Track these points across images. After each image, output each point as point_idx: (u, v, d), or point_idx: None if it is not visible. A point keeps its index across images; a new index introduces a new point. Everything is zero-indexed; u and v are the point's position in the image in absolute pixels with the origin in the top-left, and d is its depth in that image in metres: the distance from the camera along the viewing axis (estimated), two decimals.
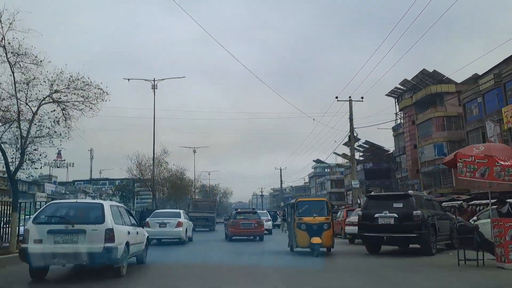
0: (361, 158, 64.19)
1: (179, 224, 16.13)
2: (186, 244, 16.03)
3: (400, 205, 11.12)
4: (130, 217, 8.55)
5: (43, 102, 11.45)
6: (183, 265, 9.85)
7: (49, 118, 11.80)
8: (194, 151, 61.00)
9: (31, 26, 10.99)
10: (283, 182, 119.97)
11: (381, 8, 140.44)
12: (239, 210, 21.99)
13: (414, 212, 10.90)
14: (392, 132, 47.66)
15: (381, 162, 56.14)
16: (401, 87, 43.99)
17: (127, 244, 7.41)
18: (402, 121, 44.13)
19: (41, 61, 11.09)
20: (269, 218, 26.05)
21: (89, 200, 11.33)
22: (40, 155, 11.86)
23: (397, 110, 45.95)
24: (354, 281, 7.59)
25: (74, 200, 8.80)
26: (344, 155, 69.79)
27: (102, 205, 7.18)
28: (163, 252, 13.15)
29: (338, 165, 79.18)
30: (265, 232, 19.56)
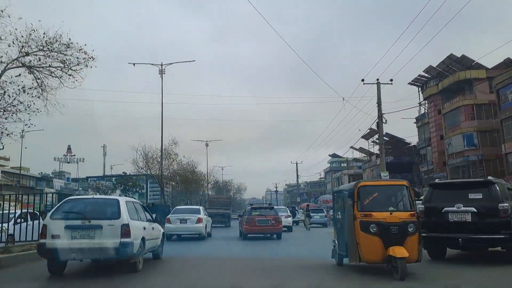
0: (378, 152, 61.42)
1: (199, 220, 16.75)
2: (206, 239, 16.80)
3: (479, 195, 8.39)
4: (146, 213, 8.79)
5: (9, 66, 9.35)
6: (199, 261, 10.08)
7: (19, 87, 9.82)
8: (207, 145, 58.42)
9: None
10: (289, 185, 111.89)
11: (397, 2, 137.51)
12: (254, 205, 19.65)
13: (500, 205, 8.11)
14: (416, 123, 44.72)
15: (402, 156, 54.02)
16: (426, 75, 41.46)
17: (143, 239, 7.55)
18: (427, 110, 42.07)
19: (1, 11, 8.90)
20: (289, 214, 24.60)
21: (105, 196, 11.46)
22: (2, 132, 9.79)
23: (421, 100, 43.74)
24: None
25: (91, 196, 8.86)
26: (361, 149, 68.17)
27: (118, 201, 7.30)
28: (181, 247, 14.13)
29: (356, 160, 76.19)
30: (284, 229, 18.83)
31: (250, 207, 18.39)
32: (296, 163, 64.41)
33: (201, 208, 18.88)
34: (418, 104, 44.34)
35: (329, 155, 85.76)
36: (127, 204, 7.22)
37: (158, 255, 9.37)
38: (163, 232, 9.82)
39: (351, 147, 66.50)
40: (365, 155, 68.32)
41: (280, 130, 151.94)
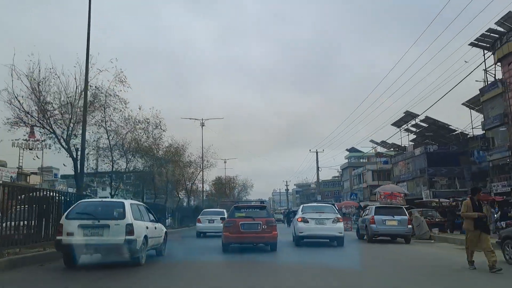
0: (411, 141, 53.78)
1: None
2: None
3: None
4: (149, 214, 10.46)
5: None
6: (199, 258, 11.59)
7: None
8: (202, 124, 44.35)
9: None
10: (306, 178, 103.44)
11: (403, 3, 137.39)
12: (239, 204, 14.45)
13: None
14: (481, 97, 35.11)
15: (447, 144, 46.04)
16: (497, 29, 31.60)
17: (146, 237, 9.19)
18: (501, 76, 32.43)
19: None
20: (338, 216, 15.03)
21: (113, 199, 12.69)
22: None
23: (487, 65, 34.42)
24: None
25: (100, 199, 10.07)
26: (383, 143, 60.62)
27: (123, 203, 9.05)
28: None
29: (378, 154, 67.78)
30: (336, 240, 14.36)
31: (234, 206, 13.46)
32: (316, 152, 54.15)
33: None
34: (483, 71, 34.96)
35: (347, 149, 78.65)
36: (132, 206, 8.92)
37: (161, 252, 11.01)
38: (166, 232, 10.91)
39: (371, 141, 61.04)
40: (393, 149, 60.89)
41: (289, 131, 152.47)
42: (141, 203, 10.86)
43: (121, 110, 18.63)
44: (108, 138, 19.95)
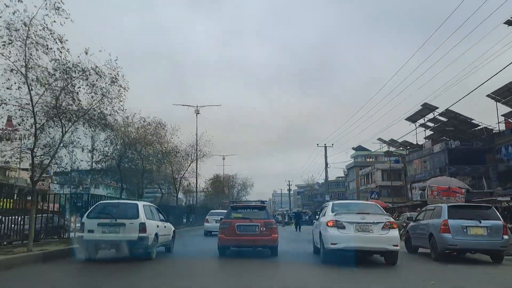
0: (426, 138, 50.36)
1: None
2: None
3: None
4: (160, 214, 11.98)
5: None
6: (204, 253, 12.91)
7: None
8: (197, 112, 40.74)
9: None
10: (312, 176, 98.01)
11: (404, 6, 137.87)
12: (236, 204, 13.48)
13: None
14: None
15: (471, 140, 41.71)
16: None
17: (156, 235, 10.77)
18: None
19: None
20: (390, 218, 10.42)
21: (128, 201, 13.68)
22: None
23: None
24: None
25: (117, 201, 11.24)
26: (391, 141, 57.40)
27: (137, 204, 10.59)
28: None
29: (387, 153, 63.02)
30: (385, 256, 10.29)
31: (230, 207, 12.59)
32: (325, 146, 48.33)
33: None
34: None
35: (353, 148, 74.12)
36: (144, 207, 10.54)
37: (170, 248, 12.54)
38: (174, 230, 13.12)
39: (379, 139, 58.19)
40: (403, 147, 57.68)
41: (290, 132, 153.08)
42: (153, 205, 12.11)
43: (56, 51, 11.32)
44: (29, 90, 11.27)
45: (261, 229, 11.25)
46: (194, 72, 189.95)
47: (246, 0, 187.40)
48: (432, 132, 48.33)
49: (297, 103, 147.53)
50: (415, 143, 52.04)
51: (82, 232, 10.02)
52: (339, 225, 9.77)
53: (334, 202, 12.20)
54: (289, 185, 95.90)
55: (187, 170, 33.88)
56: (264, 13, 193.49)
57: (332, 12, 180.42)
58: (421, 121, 46.57)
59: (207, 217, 23.56)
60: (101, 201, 11.80)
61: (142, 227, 10.04)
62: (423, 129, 48.09)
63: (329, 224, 9.94)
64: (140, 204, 10.70)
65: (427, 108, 42.28)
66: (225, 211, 25.17)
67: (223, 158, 64.19)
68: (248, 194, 75.78)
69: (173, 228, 13.16)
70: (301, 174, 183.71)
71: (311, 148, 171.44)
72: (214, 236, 20.69)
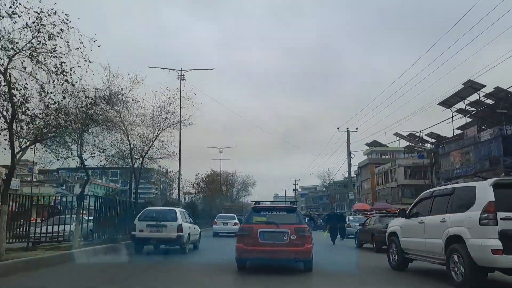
0: (458, 128, 43.47)
1: (235, 224, 25.97)
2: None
3: None
4: (190, 218, 16.05)
5: None
6: (223, 250, 16.19)
7: None
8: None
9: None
10: (327, 171, 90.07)
11: (405, 11, 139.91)
12: (258, 205, 10.61)
13: None
14: None
15: None
16: None
17: (189, 234, 14.99)
18: None
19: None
20: None
21: (168, 207, 16.21)
22: None
23: None
24: None
25: (160, 208, 14.59)
26: (411, 136, 52.43)
27: (175, 210, 14.82)
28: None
29: (408, 149, 57.62)
30: None
31: (252, 208, 10.67)
32: (348, 130, 40.08)
33: (235, 215, 28.69)
34: None
35: (366, 144, 64.93)
36: (180, 212, 15.02)
37: (197, 246, 16.71)
38: (200, 231, 17.07)
39: (396, 134, 52.90)
40: (421, 144, 52.37)
41: (291, 135, 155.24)
42: (185, 210, 15.08)
43: None
44: None
45: (291, 236, 9.19)
46: (195, 74, 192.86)
47: (246, 4, 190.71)
48: (471, 120, 41.54)
49: (298, 107, 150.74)
50: (443, 134, 46.57)
51: (134, 231, 13.19)
52: (246, 232, 9.29)
53: (254, 207, 10.34)
54: (295, 184, 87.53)
55: (152, 144, 22.05)
56: (265, 17, 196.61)
57: (333, 15, 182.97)
58: (459, 105, 40.00)
59: (215, 220, 28.29)
60: (148, 208, 15.01)
61: (180, 228, 13.47)
62: (460, 115, 41.88)
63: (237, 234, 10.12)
64: (178, 210, 14.44)
65: (470, 87, 36.00)
66: (233, 214, 28.56)
67: (221, 151, 57.04)
68: (249, 194, 69.13)
69: (199, 230, 16.43)
70: (303, 175, 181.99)
71: (311, 151, 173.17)
72: (222, 237, 25.14)
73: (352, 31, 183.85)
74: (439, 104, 39.71)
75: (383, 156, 68.88)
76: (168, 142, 22.29)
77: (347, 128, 39.46)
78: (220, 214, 30.53)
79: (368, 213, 35.52)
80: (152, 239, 13.73)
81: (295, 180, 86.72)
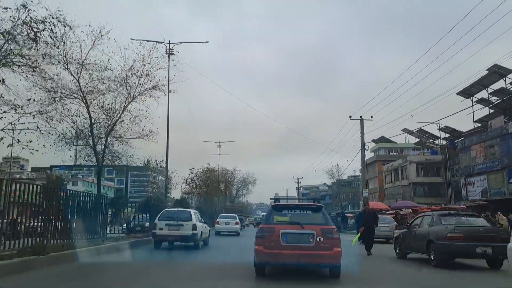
0: (477, 121, 41.06)
1: (236, 223, 27.44)
2: (239, 236, 27.26)
3: None
4: (201, 217, 19.09)
5: None
6: (231, 246, 19.49)
7: None
8: (219, 146, 53.58)
9: None
10: (337, 166, 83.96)
11: (406, 11, 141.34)
12: (279, 203, 9.89)
13: None
14: None
15: None
16: None
17: (201, 232, 18.16)
18: None
19: None
20: None
21: (184, 209, 18.26)
22: None
23: None
24: None
25: (177, 209, 16.81)
26: (421, 132, 50.58)
27: (190, 212, 17.90)
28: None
29: (419, 145, 56.37)
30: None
31: (272, 206, 9.79)
32: (361, 119, 34.89)
33: (236, 215, 29.54)
34: None
35: (373, 140, 61.44)
36: (194, 213, 18.03)
37: (207, 242, 19.81)
38: (210, 230, 17.60)
39: (404, 129, 51.02)
40: (446, 134, 48.81)
41: (290, 136, 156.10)
42: (197, 211, 17.31)
43: None
44: None
45: (318, 239, 8.44)
46: (194, 75, 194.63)
47: (247, 4, 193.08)
48: (492, 111, 38.91)
49: (299, 107, 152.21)
50: (458, 128, 44.75)
51: (155, 229, 15.27)
52: (266, 233, 8.41)
53: (274, 205, 9.50)
54: (298, 182, 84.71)
55: (120, 117, 18.62)
56: (265, 17, 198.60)
57: (333, 15, 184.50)
58: (480, 95, 37.40)
59: (217, 219, 30.73)
60: (167, 209, 17.11)
61: (194, 227, 15.91)
62: (481, 106, 39.41)
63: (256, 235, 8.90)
64: (192, 211, 16.69)
65: (495, 72, 33.22)
66: (234, 214, 30.94)
67: (219, 146, 53.77)
68: (249, 193, 69.91)
69: (209, 228, 18.36)
70: (315, 168, 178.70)
71: (312, 152, 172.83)
72: (224, 236, 27.52)
73: (354, 31, 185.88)
74: (457, 93, 37.48)
75: (391, 153, 65.68)
76: (142, 116, 17.98)
77: (361, 116, 34.05)
78: (222, 214, 33.08)
79: (399, 212, 32.98)
80: (170, 236, 16.30)
81: (298, 178, 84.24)
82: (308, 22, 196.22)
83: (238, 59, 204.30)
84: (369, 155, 63.17)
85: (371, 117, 34.11)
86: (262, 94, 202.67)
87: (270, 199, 11.33)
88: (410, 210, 30.37)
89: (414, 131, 50.15)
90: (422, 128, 48.59)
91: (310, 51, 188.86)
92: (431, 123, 45.89)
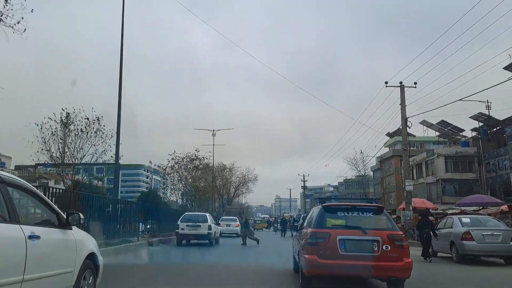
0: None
1: (237, 225, 32.10)
2: (239, 236, 32.92)
3: None
4: (214, 219, 24.26)
5: None
6: (235, 246, 24.64)
7: None
8: (213, 134, 44.69)
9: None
10: (363, 158, 71.74)
11: (404, 14, 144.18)
12: (329, 203, 8.37)
13: None
14: None
15: None
16: None
17: (214, 232, 23.84)
18: None
19: None
20: None
21: (201, 213, 21.69)
22: None
23: None
24: None
25: (195, 213, 21.58)
26: (443, 123, 45.47)
27: (206, 215, 23.93)
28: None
29: (445, 136, 50.00)
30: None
31: (320, 205, 8.40)
32: (402, 85, 25.73)
33: (237, 218, 35.46)
34: None
35: (388, 134, 56.39)
36: (209, 216, 22.18)
37: (218, 241, 26.10)
38: (220, 230, 21.57)
39: (423, 121, 45.66)
40: (479, 123, 43.67)
41: (291, 139, 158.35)
42: (210, 214, 20.55)
43: None
44: None
45: (384, 247, 7.28)
46: (194, 77, 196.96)
47: (248, 8, 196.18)
48: None
49: (298, 110, 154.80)
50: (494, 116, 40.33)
51: (178, 229, 18.85)
52: (318, 239, 7.15)
53: (323, 205, 8.12)
54: (304, 180, 78.08)
55: None
56: (266, 20, 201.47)
57: (334, 18, 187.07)
58: None
59: (219, 222, 33.33)
60: (187, 213, 21.17)
61: (210, 227, 20.05)
62: None
63: (301, 239, 8.26)
64: (208, 214, 20.51)
65: None
66: (231, 217, 37.87)
67: (213, 134, 47.23)
68: (250, 191, 61.55)
69: (219, 228, 21.68)
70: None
71: (313, 153, 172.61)
72: (225, 237, 31.25)
73: (354, 34, 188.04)
74: (504, 68, 33.49)
75: (411, 148, 55.03)
76: None
77: (401, 82, 26.01)
78: (223, 217, 37.57)
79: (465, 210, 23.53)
80: (190, 235, 21.51)
81: (304, 176, 77.00)
82: (308, 26, 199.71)
83: (238, 62, 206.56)
84: (384, 150, 61.01)
85: (415, 83, 25.18)
86: (261, 97, 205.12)
87: (315, 198, 11.47)
88: (501, 208, 21.94)
89: (434, 123, 45.71)
90: (444, 120, 43.75)
91: (310, 54, 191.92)
92: (479, 101, 35.01)
